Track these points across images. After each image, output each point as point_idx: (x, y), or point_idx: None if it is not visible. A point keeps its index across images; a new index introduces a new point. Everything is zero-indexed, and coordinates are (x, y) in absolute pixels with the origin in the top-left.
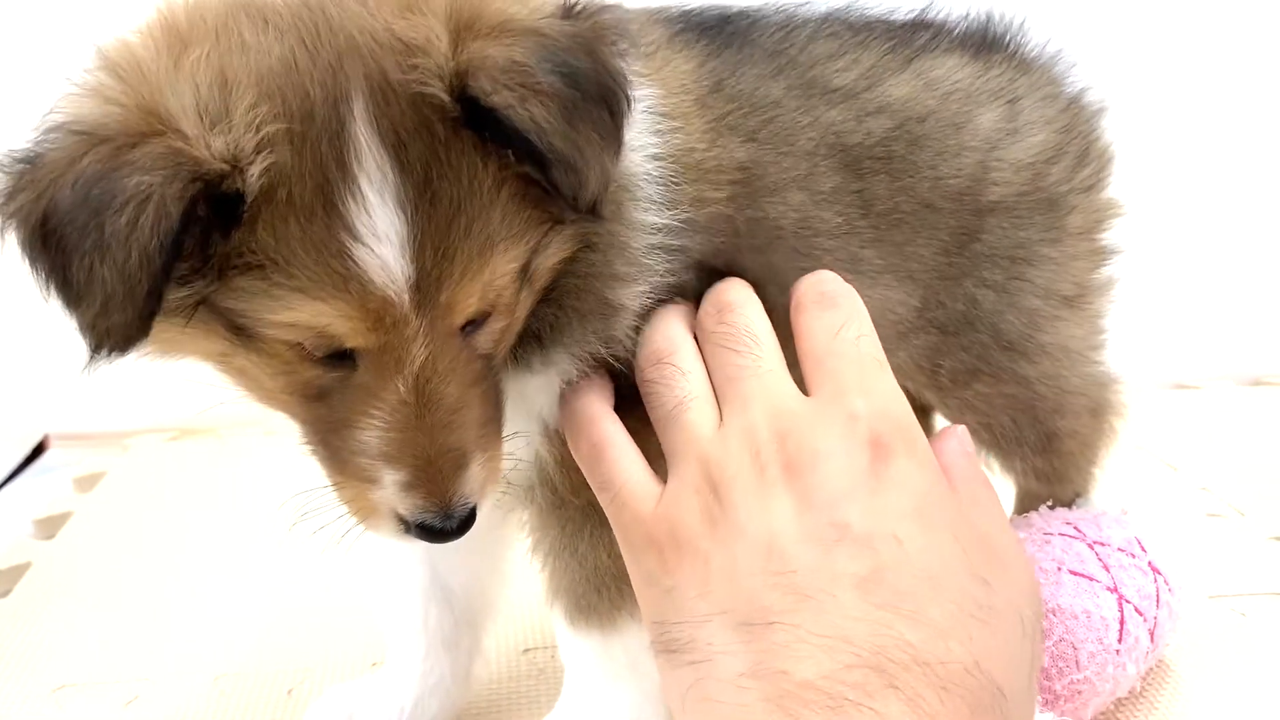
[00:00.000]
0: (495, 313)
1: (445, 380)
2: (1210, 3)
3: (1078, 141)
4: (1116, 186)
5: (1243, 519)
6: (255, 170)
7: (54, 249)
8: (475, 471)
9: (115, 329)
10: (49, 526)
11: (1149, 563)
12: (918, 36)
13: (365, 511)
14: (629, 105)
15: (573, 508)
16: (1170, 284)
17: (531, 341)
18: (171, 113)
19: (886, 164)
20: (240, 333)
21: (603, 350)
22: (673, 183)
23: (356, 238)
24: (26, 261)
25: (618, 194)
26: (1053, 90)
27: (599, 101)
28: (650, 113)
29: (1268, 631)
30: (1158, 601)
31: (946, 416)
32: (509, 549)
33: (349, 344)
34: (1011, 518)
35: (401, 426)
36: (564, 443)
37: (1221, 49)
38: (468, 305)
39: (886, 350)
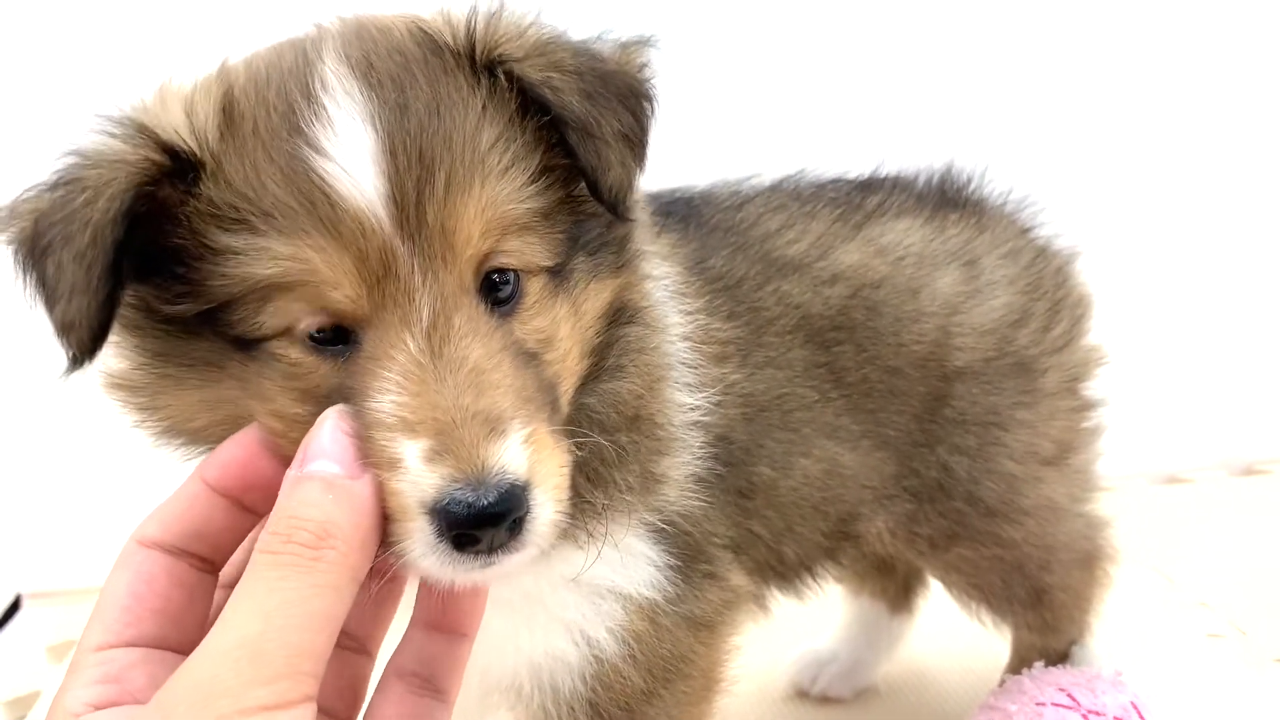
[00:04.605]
0: (526, 289)
1: (466, 339)
2: (1187, 110)
3: (1044, 301)
4: (1103, 268)
5: (1244, 639)
6: (210, 106)
7: (37, 253)
8: (515, 444)
9: (79, 317)
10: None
11: None
12: (868, 201)
13: (394, 513)
14: (652, 114)
15: None
16: (1156, 375)
17: (577, 514)
18: (156, 127)
19: (850, 333)
20: (242, 347)
21: (656, 520)
22: (700, 365)
23: (321, 152)
24: (22, 279)
25: (658, 371)
26: (1015, 246)
27: (622, 99)
28: (674, 293)
29: None
30: None
31: (933, 577)
32: None
33: (343, 298)
34: (1003, 682)
35: (417, 389)
36: (623, 640)
37: (1195, 144)
38: (468, 232)
39: (864, 517)
